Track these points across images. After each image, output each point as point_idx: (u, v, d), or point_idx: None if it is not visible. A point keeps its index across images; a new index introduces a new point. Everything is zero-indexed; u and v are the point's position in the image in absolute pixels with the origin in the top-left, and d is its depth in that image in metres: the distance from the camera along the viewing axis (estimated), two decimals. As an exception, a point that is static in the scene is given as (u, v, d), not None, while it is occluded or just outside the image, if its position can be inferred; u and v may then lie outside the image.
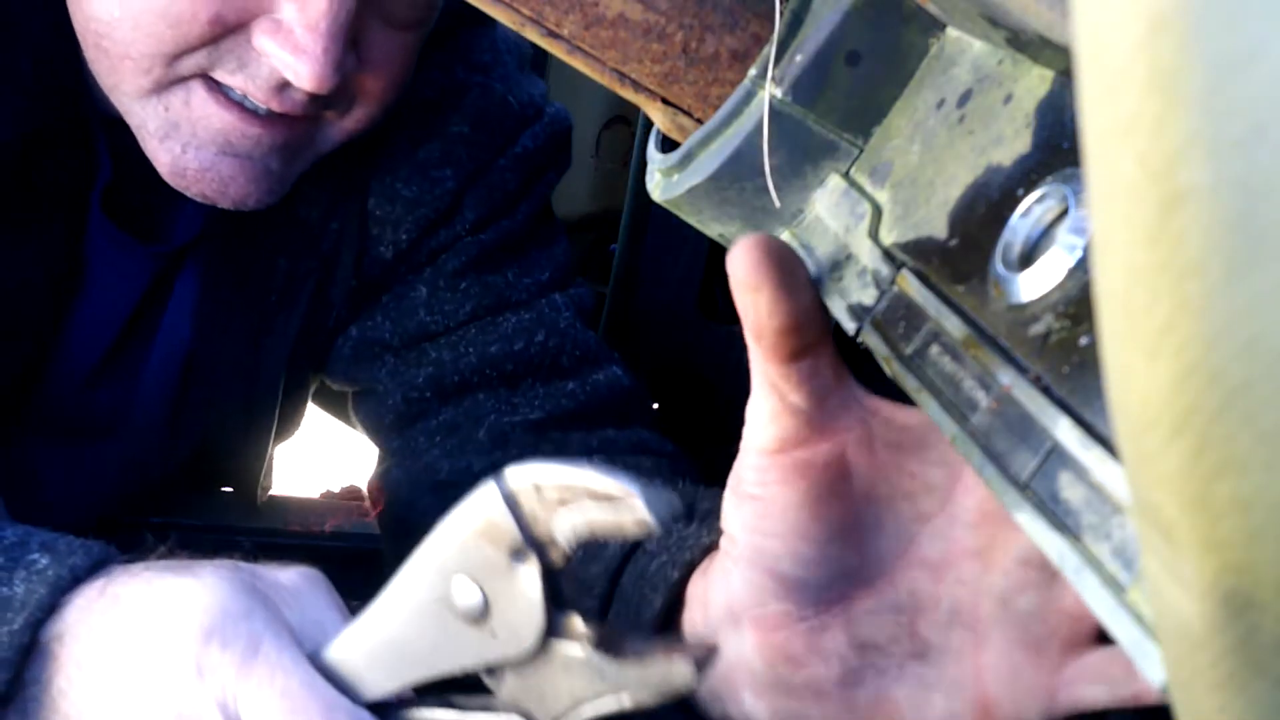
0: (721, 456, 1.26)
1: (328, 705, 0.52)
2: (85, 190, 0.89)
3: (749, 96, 0.58)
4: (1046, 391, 0.38)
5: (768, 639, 0.57)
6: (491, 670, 0.52)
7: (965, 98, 0.50)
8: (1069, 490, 0.36)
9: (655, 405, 1.02)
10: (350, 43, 0.79)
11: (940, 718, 0.55)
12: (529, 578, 0.49)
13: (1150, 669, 0.31)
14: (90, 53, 0.81)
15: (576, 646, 0.50)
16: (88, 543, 0.60)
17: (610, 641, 0.51)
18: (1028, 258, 0.41)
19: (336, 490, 1.50)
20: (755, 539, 0.56)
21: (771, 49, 0.56)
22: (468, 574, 0.50)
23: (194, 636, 0.53)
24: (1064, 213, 0.40)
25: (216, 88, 0.80)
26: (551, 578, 0.50)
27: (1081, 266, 0.38)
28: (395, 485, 0.99)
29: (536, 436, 0.95)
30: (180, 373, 0.99)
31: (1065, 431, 0.36)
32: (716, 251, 1.23)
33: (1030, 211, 0.41)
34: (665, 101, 0.63)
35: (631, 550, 0.71)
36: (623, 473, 0.48)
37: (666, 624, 0.64)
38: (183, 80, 0.79)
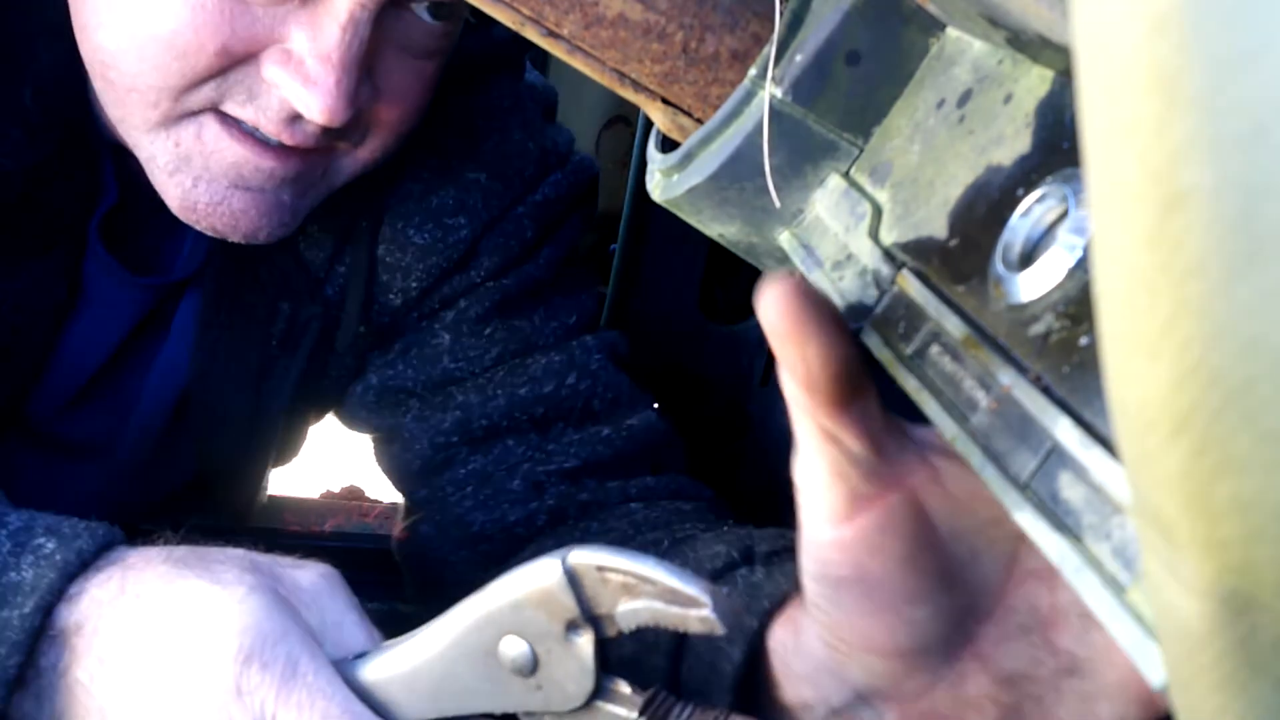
0: (722, 455, 1.26)
1: None
2: (86, 218, 0.88)
3: (749, 96, 0.58)
4: (1046, 391, 0.38)
5: (912, 712, 0.55)
6: (531, 714, 0.54)
7: (965, 98, 0.50)
8: (1069, 490, 0.36)
9: (655, 405, 1.01)
10: (365, 72, 0.77)
11: None
12: (583, 647, 0.51)
13: (1150, 669, 0.31)
14: (98, 83, 0.79)
15: (621, 711, 0.52)
16: (92, 525, 0.60)
17: (657, 710, 0.53)
18: (1028, 258, 0.41)
19: (336, 490, 1.50)
20: (863, 621, 0.52)
21: (771, 49, 0.56)
22: (519, 634, 0.51)
23: (232, 657, 0.54)
24: (1064, 213, 0.40)
25: (228, 120, 0.78)
26: (602, 646, 0.51)
27: (1082, 266, 0.38)
28: (425, 540, 0.97)
29: (572, 485, 0.93)
30: (174, 404, 0.98)
31: (1065, 431, 0.36)
32: (717, 251, 1.23)
33: (1030, 211, 0.41)
34: (665, 101, 0.63)
35: None
36: (688, 573, 0.48)
37: (747, 677, 0.62)
38: (193, 114, 0.77)
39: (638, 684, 0.55)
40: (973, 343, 0.42)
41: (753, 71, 0.58)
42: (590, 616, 0.50)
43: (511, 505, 0.93)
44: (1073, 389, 0.36)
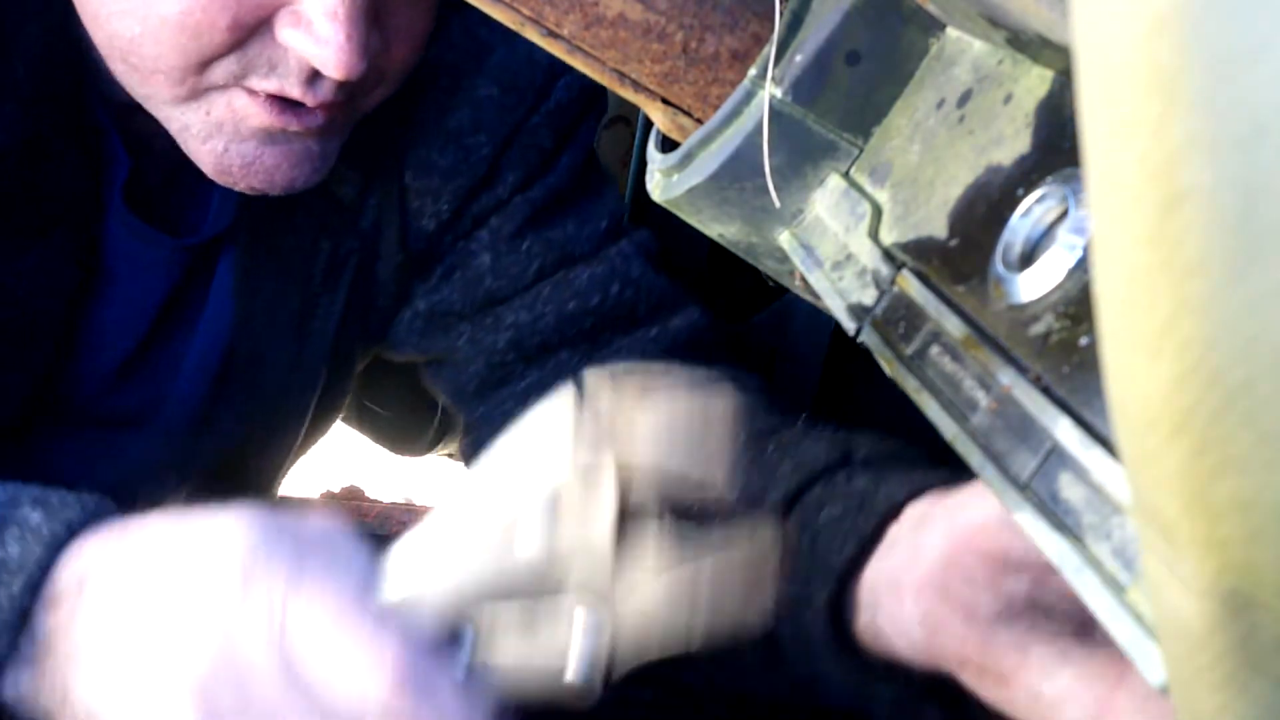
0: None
1: (380, 618, 0.51)
2: (97, 190, 0.88)
3: (749, 96, 0.58)
4: (1046, 391, 0.38)
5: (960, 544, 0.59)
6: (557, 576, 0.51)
7: (965, 98, 0.50)
8: (1069, 490, 0.36)
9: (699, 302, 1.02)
10: (372, 20, 0.79)
11: (1056, 694, 0.55)
12: (604, 476, 0.47)
13: (1150, 669, 0.31)
14: (119, 67, 0.81)
15: (650, 538, 0.49)
16: (83, 496, 0.59)
17: (691, 514, 0.50)
18: (1028, 258, 0.41)
19: (336, 490, 1.50)
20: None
21: (771, 49, 0.56)
22: (538, 483, 0.48)
23: (240, 552, 0.52)
24: (1064, 213, 0.40)
25: (255, 92, 0.80)
26: (625, 476, 0.48)
27: (1081, 266, 0.38)
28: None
29: None
30: (220, 363, 0.99)
31: (1065, 431, 0.36)
32: (717, 251, 1.23)
33: (1030, 211, 0.41)
34: (665, 101, 0.63)
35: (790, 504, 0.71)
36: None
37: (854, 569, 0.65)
38: (220, 88, 0.79)
39: None
40: (973, 343, 0.42)
41: (753, 71, 0.58)
42: (607, 436, 0.48)
43: None
44: (1073, 389, 0.36)
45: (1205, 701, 0.27)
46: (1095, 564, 0.34)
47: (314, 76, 0.79)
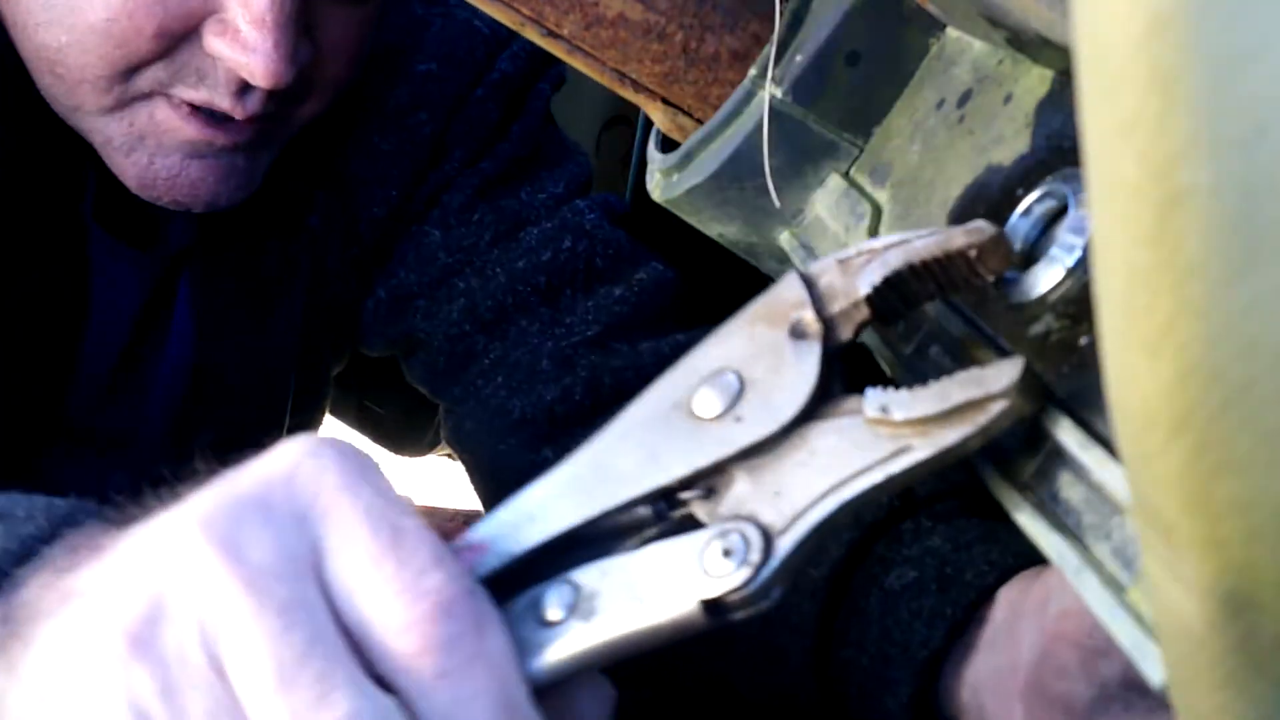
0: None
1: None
2: (75, 208, 0.88)
3: (749, 96, 0.58)
4: (1046, 391, 0.38)
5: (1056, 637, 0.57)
6: (712, 480, 0.42)
7: (965, 98, 0.50)
8: (1069, 490, 0.36)
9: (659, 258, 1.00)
10: (303, 31, 0.78)
11: None
12: (806, 351, 0.40)
13: (1150, 669, 0.31)
14: (46, 79, 0.80)
15: (846, 419, 0.40)
16: (54, 503, 0.48)
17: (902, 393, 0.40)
18: (1027, 257, 0.41)
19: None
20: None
21: (771, 49, 0.56)
22: (729, 365, 0.41)
23: (294, 455, 0.40)
24: (1063, 212, 0.40)
25: (180, 103, 0.79)
26: (836, 359, 0.41)
27: (1081, 266, 0.38)
28: (471, 437, 0.96)
29: (601, 353, 0.91)
30: (189, 378, 0.98)
31: (1065, 431, 0.36)
32: (717, 251, 1.22)
33: (1030, 211, 0.41)
34: (665, 101, 0.63)
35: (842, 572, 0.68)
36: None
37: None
38: (145, 97, 0.78)
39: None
40: (972, 342, 0.42)
41: (753, 71, 0.58)
42: (823, 314, 0.40)
43: (545, 385, 0.91)
44: (1072, 389, 0.36)
45: (1205, 701, 0.27)
46: (1095, 564, 0.34)
47: (243, 88, 0.77)
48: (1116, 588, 0.33)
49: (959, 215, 0.47)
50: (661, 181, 0.63)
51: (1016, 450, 0.38)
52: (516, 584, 0.41)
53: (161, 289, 0.95)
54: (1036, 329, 0.39)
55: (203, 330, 0.95)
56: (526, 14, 0.61)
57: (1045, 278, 0.39)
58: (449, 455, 1.68)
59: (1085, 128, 0.24)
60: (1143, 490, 0.26)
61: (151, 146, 0.80)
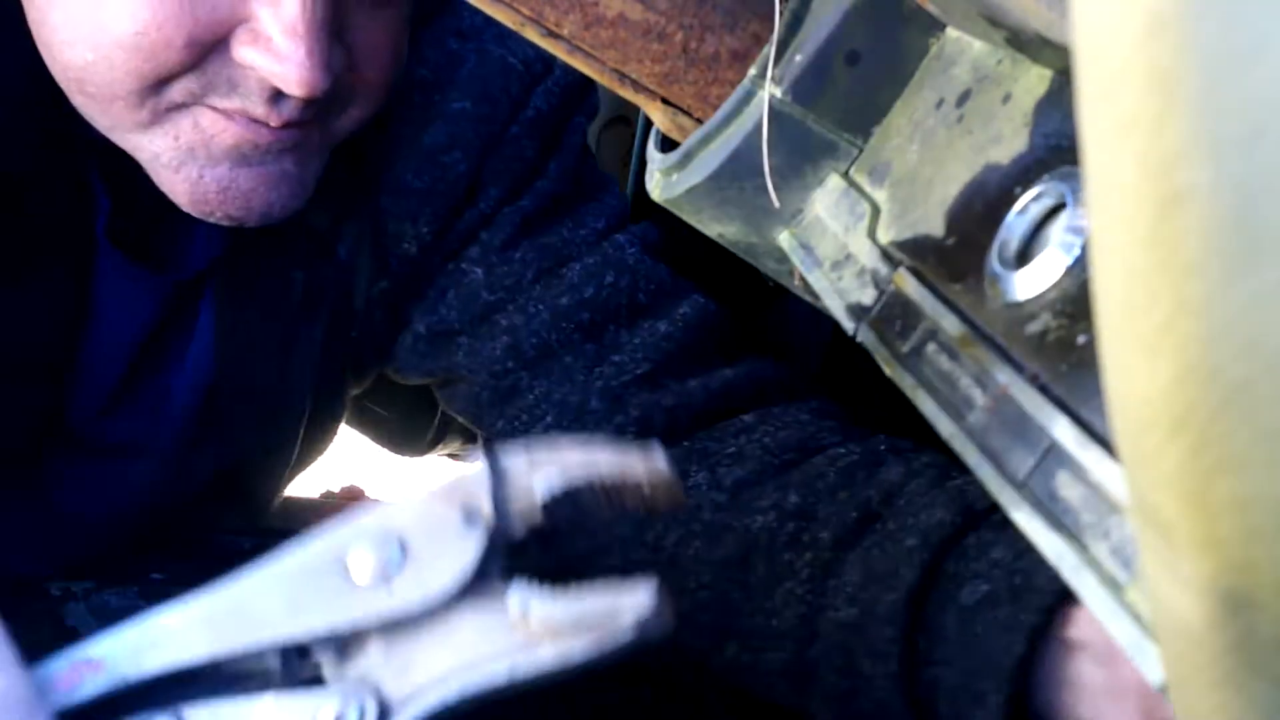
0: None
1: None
2: (86, 225, 0.87)
3: (749, 96, 0.58)
4: (1044, 390, 0.38)
5: None
6: (348, 642, 0.43)
7: (964, 97, 0.50)
8: (1067, 489, 0.36)
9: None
10: (335, 36, 0.77)
11: None
12: (472, 536, 0.42)
13: (1149, 668, 0.31)
14: (79, 99, 0.79)
15: (491, 610, 0.42)
16: None
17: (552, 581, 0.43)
18: (1024, 256, 0.41)
19: (336, 490, 1.50)
20: None
21: (771, 49, 0.57)
22: (396, 530, 0.42)
23: None
24: (1061, 211, 0.40)
25: (218, 110, 0.78)
26: (499, 551, 0.42)
27: (1079, 265, 0.38)
28: None
29: (652, 391, 0.91)
30: (205, 397, 0.97)
31: (1063, 430, 0.36)
32: (716, 251, 1.23)
33: (1027, 209, 0.41)
34: (665, 101, 0.63)
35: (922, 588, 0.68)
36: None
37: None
38: (180, 107, 0.77)
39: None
40: (969, 341, 0.42)
41: (753, 71, 0.58)
42: (500, 507, 0.42)
43: (597, 424, 0.91)
44: (1070, 388, 0.37)
45: (1203, 701, 0.27)
46: (1093, 563, 0.34)
47: (277, 95, 0.76)
48: (1114, 587, 0.33)
49: (956, 214, 0.47)
50: (661, 181, 0.63)
51: (1013, 449, 0.38)
52: (124, 708, 0.42)
53: (178, 309, 0.94)
54: (1033, 327, 0.39)
55: (222, 353, 0.94)
56: (526, 14, 0.61)
57: (1042, 276, 0.39)
58: (449, 455, 1.68)
59: (1083, 127, 0.24)
60: (1141, 489, 0.26)
61: (201, 158, 0.79)
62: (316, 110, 0.79)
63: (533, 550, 0.43)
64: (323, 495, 1.48)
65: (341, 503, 1.42)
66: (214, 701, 0.42)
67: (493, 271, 0.95)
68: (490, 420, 0.97)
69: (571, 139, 0.98)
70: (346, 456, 1.77)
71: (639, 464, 0.42)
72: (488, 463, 0.43)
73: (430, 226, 0.95)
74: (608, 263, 0.94)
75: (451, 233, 0.96)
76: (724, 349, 0.94)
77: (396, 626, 0.42)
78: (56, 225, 0.85)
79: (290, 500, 1.32)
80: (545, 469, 0.42)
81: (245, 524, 1.15)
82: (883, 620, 0.69)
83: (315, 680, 0.43)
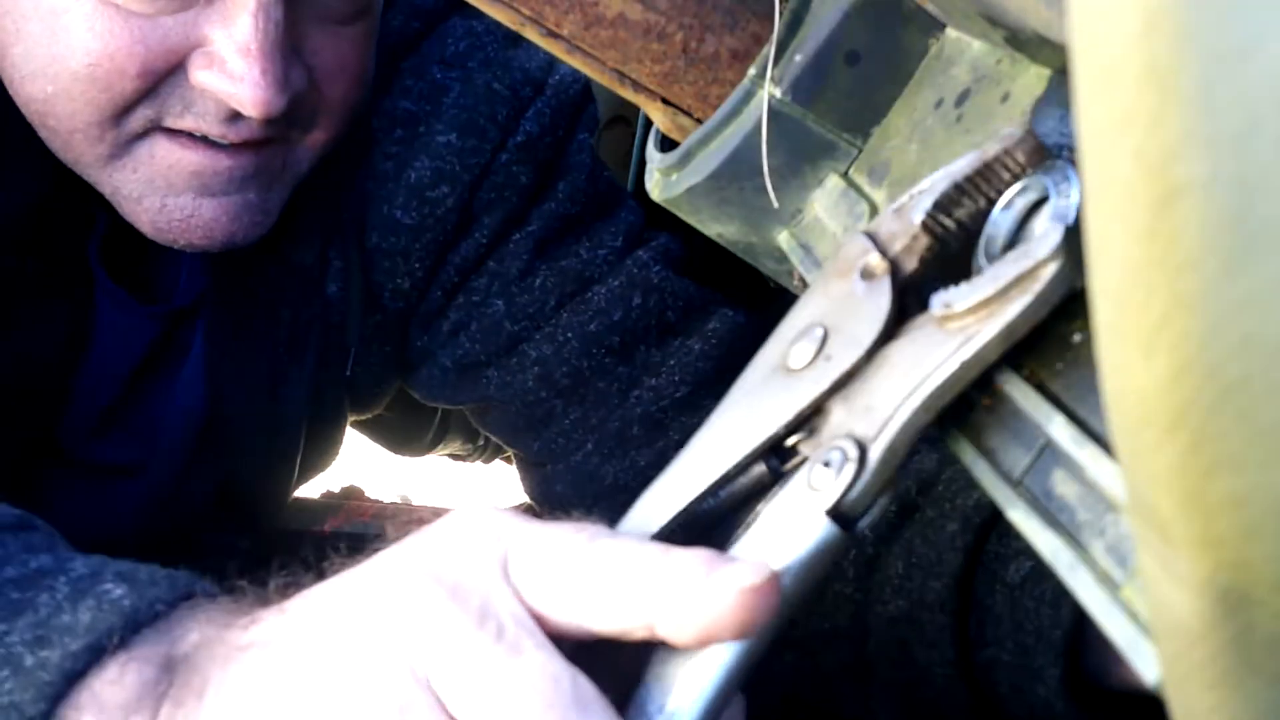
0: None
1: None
2: (83, 258, 0.87)
3: (748, 96, 0.58)
4: (1039, 388, 0.38)
5: None
6: (813, 421, 0.44)
7: (963, 97, 0.50)
8: (1062, 487, 0.36)
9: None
10: (292, 55, 0.76)
11: None
12: (877, 288, 0.43)
13: (1145, 666, 0.31)
14: (44, 133, 0.79)
15: (919, 329, 0.42)
16: (174, 572, 0.51)
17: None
18: (1010, 248, 0.41)
19: (336, 490, 1.50)
20: None
21: (771, 49, 0.57)
22: (814, 321, 0.44)
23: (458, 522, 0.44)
24: (1045, 204, 0.40)
25: (174, 134, 0.77)
26: (910, 288, 0.43)
27: (1054, 255, 0.38)
28: (562, 500, 0.94)
29: (692, 412, 0.90)
30: (199, 426, 0.96)
31: (1058, 428, 0.36)
32: (716, 251, 1.23)
33: (1012, 204, 0.41)
34: (665, 101, 0.63)
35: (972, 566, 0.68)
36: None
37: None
38: (139, 137, 0.77)
39: None
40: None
41: (752, 71, 0.58)
42: (889, 256, 0.43)
43: (639, 450, 0.90)
44: (1066, 385, 0.36)
45: (1200, 699, 0.27)
46: (1089, 561, 0.34)
47: (234, 116, 0.76)
48: (1111, 585, 0.33)
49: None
50: (661, 181, 0.63)
51: (1009, 447, 0.38)
52: None
53: (171, 337, 0.93)
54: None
55: (214, 384, 0.94)
56: (526, 14, 0.61)
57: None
58: (449, 455, 1.68)
59: (1080, 123, 0.24)
60: (1137, 487, 0.26)
61: (162, 188, 0.79)
62: (276, 130, 0.79)
63: (933, 268, 0.43)
64: (323, 495, 1.48)
65: (340, 503, 1.42)
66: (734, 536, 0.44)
67: (513, 301, 0.93)
68: (527, 443, 0.97)
69: (578, 158, 0.96)
70: (346, 456, 1.77)
71: (991, 144, 0.42)
72: (860, 231, 0.45)
73: (422, 262, 0.94)
74: (633, 283, 0.92)
75: (448, 265, 0.94)
76: None
77: (847, 386, 0.43)
78: (65, 251, 0.85)
79: (290, 500, 1.32)
80: (912, 204, 0.43)
81: (237, 521, 1.15)
82: (933, 608, 0.69)
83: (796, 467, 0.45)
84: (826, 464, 0.41)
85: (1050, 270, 0.37)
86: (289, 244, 0.89)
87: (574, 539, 0.43)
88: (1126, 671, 0.61)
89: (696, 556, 0.40)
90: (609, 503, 0.91)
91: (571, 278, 0.93)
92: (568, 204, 0.95)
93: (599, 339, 0.92)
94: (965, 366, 0.39)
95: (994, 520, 0.70)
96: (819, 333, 0.44)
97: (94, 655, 0.46)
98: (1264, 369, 0.22)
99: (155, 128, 0.77)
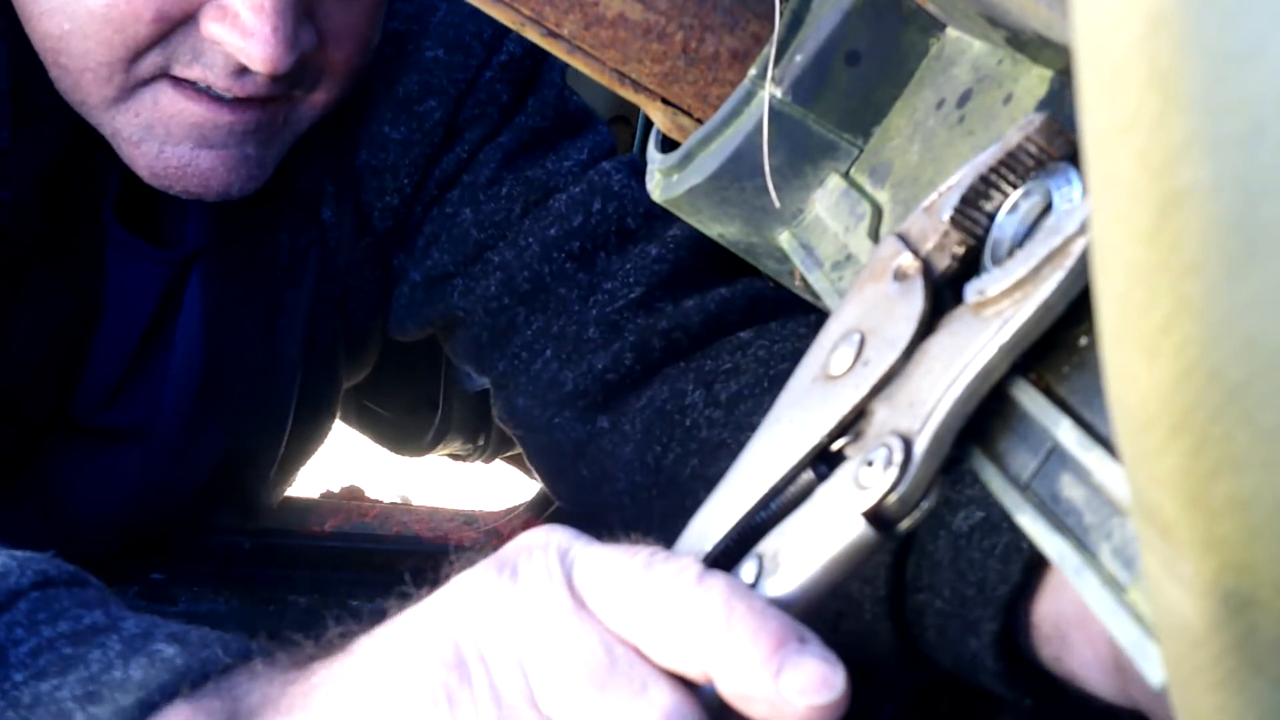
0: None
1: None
2: (97, 210, 0.88)
3: (749, 96, 0.58)
4: (1046, 392, 0.38)
5: None
6: (858, 425, 0.44)
7: (965, 98, 0.50)
8: (1070, 491, 0.36)
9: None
10: (304, 16, 0.78)
11: None
12: (911, 288, 0.43)
13: (1150, 668, 0.31)
14: (54, 71, 0.81)
15: (955, 321, 0.42)
16: (225, 636, 0.51)
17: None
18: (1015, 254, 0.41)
19: (336, 490, 1.50)
20: None
21: (771, 49, 0.56)
22: (851, 328, 0.44)
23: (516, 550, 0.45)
24: (1049, 207, 0.40)
25: (180, 83, 0.79)
26: (945, 286, 0.43)
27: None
28: (524, 413, 0.95)
29: (647, 314, 0.90)
30: (200, 373, 0.98)
31: (1065, 432, 0.36)
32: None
33: (1017, 208, 0.41)
34: (665, 101, 0.63)
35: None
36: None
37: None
38: (146, 83, 0.79)
39: None
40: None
41: (753, 71, 0.58)
42: (921, 256, 0.43)
43: (595, 353, 0.91)
44: (1073, 389, 0.36)
45: (1204, 701, 0.27)
46: (1095, 564, 0.34)
47: (242, 70, 0.78)
48: (1116, 588, 0.33)
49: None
50: (661, 181, 0.63)
51: (1016, 451, 0.38)
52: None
53: (174, 288, 0.95)
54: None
55: (210, 326, 0.95)
56: (526, 14, 0.61)
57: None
58: (449, 455, 1.68)
59: (1084, 126, 0.24)
60: (1142, 489, 0.26)
61: (160, 135, 0.81)
62: (280, 88, 0.80)
63: (966, 263, 0.43)
64: (323, 495, 1.48)
65: (340, 503, 1.42)
66: (776, 529, 0.44)
67: (480, 209, 0.95)
68: (493, 361, 0.98)
69: (549, 76, 0.99)
70: (346, 456, 1.77)
71: (1013, 133, 0.42)
72: (892, 233, 0.45)
73: (410, 176, 0.96)
74: (594, 190, 0.94)
75: (430, 180, 0.97)
76: (719, 268, 0.93)
77: (888, 386, 0.43)
78: (81, 207, 0.87)
79: (290, 500, 1.32)
80: (940, 201, 0.43)
81: (245, 524, 1.15)
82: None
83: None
84: (871, 463, 0.41)
85: (1081, 244, 0.37)
86: (290, 172, 0.91)
87: (631, 563, 0.43)
88: (1065, 656, 0.60)
89: (766, 627, 0.41)
90: (570, 409, 0.92)
91: (536, 187, 0.95)
92: (536, 118, 0.97)
93: (559, 243, 0.93)
94: (1004, 349, 0.39)
95: (945, 468, 0.69)
96: (856, 338, 0.44)
97: (144, 712, 0.46)
98: (1267, 372, 0.22)
99: (163, 75, 0.79)
